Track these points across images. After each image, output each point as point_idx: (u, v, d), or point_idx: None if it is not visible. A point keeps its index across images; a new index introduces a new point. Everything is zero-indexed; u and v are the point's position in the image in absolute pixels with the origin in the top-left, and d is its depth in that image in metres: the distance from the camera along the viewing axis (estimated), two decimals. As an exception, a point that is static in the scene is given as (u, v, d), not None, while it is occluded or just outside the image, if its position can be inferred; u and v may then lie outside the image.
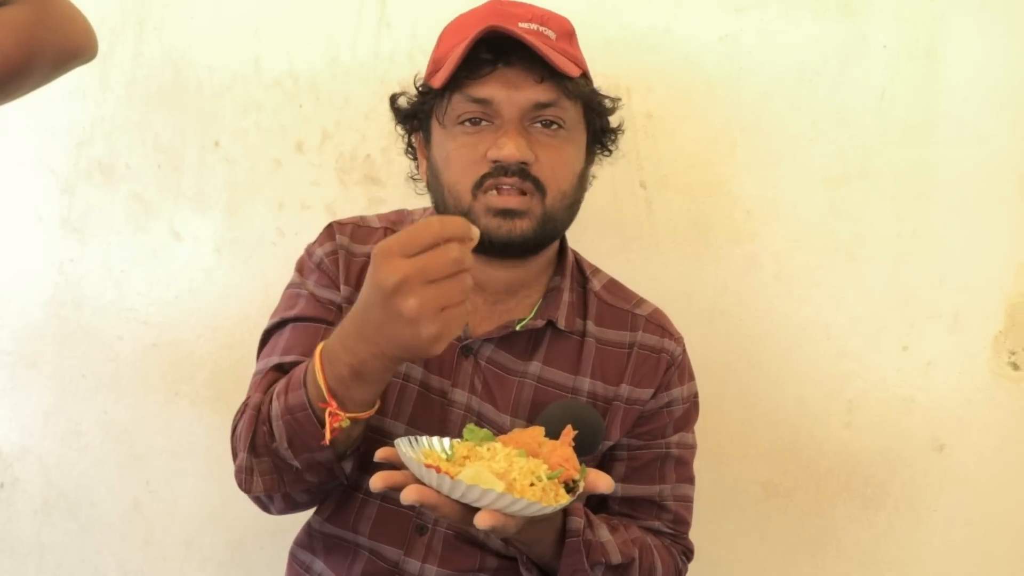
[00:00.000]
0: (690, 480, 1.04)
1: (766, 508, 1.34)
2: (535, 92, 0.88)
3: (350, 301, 0.96)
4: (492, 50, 0.87)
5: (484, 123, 0.89)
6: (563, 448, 0.76)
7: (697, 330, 1.18)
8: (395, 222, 1.04)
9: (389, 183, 1.40)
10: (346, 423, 0.75)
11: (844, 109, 1.27)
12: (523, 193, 0.88)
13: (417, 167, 1.03)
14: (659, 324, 1.03)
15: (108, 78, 1.49)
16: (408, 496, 0.68)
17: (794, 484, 1.32)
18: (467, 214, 0.89)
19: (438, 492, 0.68)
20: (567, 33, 0.95)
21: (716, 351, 1.31)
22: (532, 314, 0.97)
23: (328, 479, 0.87)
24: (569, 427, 0.78)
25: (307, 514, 1.04)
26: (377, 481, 0.71)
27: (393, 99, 1.00)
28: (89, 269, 1.53)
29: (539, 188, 0.89)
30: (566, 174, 0.92)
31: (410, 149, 1.03)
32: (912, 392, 1.28)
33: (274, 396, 0.82)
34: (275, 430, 0.81)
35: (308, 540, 1.04)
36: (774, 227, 1.30)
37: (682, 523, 1.03)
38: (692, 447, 1.04)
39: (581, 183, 0.96)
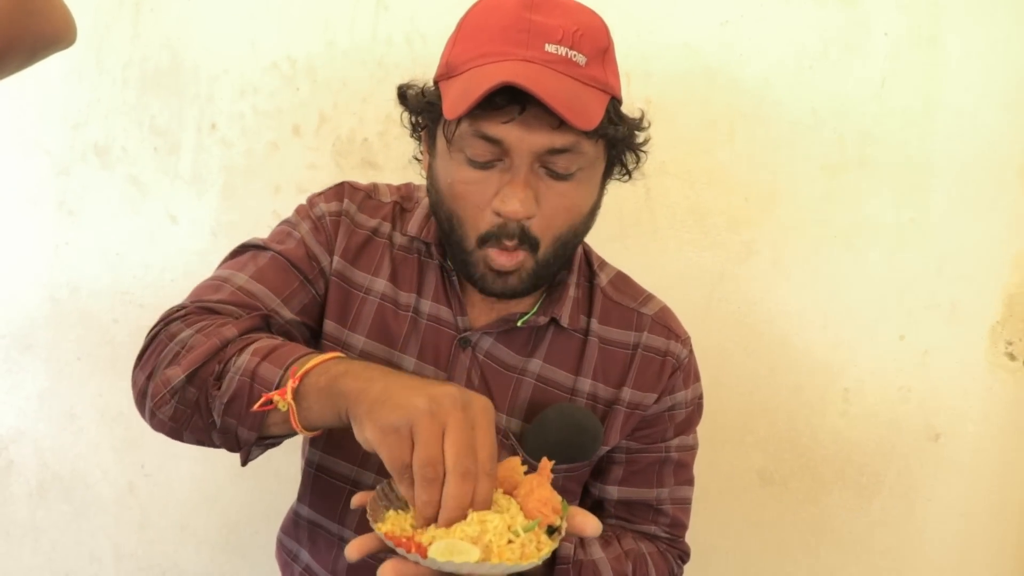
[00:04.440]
0: (689, 482, 1.01)
1: (761, 496, 1.34)
2: (551, 137, 0.79)
3: (339, 274, 0.93)
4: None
5: (493, 160, 0.81)
6: (540, 490, 0.70)
7: (694, 317, 1.17)
8: (405, 196, 0.99)
9: (386, 167, 1.40)
10: (283, 407, 0.71)
11: (844, 97, 1.27)
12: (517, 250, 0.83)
13: (420, 151, 0.96)
14: (665, 325, 0.98)
15: (104, 60, 1.48)
16: (385, 574, 0.64)
17: (790, 472, 1.32)
18: (469, 256, 0.85)
19: (416, 563, 0.65)
20: (599, 52, 0.82)
21: (713, 338, 1.31)
22: (534, 309, 0.93)
23: (228, 448, 0.81)
24: (545, 460, 0.73)
25: (293, 500, 1.04)
26: (352, 552, 0.68)
27: (401, 91, 0.90)
28: (84, 252, 1.52)
29: (532, 246, 0.83)
30: (568, 219, 0.85)
31: (416, 132, 0.94)
32: (908, 381, 1.28)
33: (250, 350, 0.76)
34: (226, 380, 0.75)
35: (294, 528, 1.02)
36: (772, 215, 1.30)
37: (679, 527, 1.00)
38: (692, 448, 1.01)
39: (591, 215, 0.89)
